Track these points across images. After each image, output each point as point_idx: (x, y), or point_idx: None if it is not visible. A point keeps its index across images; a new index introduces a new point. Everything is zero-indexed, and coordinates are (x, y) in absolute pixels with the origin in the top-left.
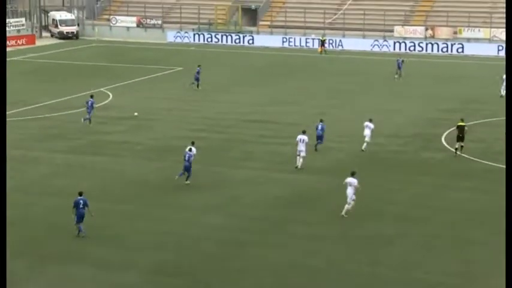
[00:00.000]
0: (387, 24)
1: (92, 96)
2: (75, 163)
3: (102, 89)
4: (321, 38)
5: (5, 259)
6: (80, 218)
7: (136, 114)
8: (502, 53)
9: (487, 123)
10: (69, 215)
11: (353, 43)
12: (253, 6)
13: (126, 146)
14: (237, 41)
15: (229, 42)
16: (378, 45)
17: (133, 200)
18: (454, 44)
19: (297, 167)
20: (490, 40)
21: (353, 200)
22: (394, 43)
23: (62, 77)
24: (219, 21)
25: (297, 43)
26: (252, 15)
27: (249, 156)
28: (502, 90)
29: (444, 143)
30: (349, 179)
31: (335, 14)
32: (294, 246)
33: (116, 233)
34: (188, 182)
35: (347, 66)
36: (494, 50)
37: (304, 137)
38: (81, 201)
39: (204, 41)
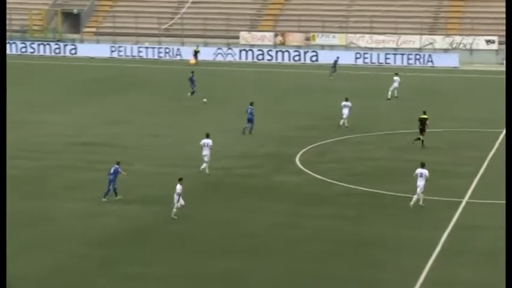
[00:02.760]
0: (232, 30)
1: None
2: None
3: None
4: (195, 49)
5: (5, 259)
6: None
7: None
8: (360, 61)
9: (346, 140)
10: None
11: (193, 52)
12: (75, 11)
13: None
14: (57, 50)
15: (47, 53)
16: (221, 53)
17: None
18: (307, 51)
19: (200, 171)
20: (346, 47)
21: (422, 192)
22: (240, 51)
23: None
24: (35, 28)
25: (128, 52)
26: (74, 21)
27: (76, 185)
28: (390, 93)
29: (299, 164)
30: (420, 170)
31: (171, 19)
32: None
33: None
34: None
35: (186, 78)
36: (352, 58)
37: (209, 141)
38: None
39: (17, 51)
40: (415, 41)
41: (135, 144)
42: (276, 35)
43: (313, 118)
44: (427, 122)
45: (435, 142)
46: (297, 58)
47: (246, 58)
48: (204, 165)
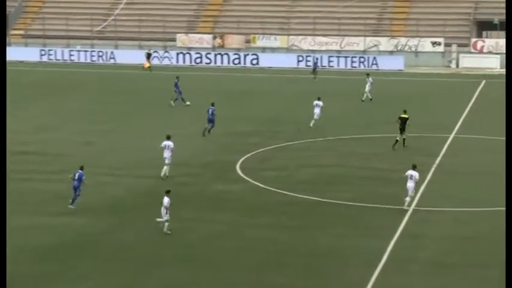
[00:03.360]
0: (168, 32)
1: None
2: None
3: None
4: (147, 51)
5: (5, 259)
6: None
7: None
8: (303, 64)
9: (288, 147)
10: None
11: (127, 55)
12: None
13: None
14: None
15: None
16: (157, 57)
17: None
18: (248, 54)
19: (162, 178)
20: (288, 49)
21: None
22: (177, 54)
23: None
24: None
25: (59, 56)
26: None
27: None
28: (365, 95)
29: (240, 172)
30: (410, 172)
31: (104, 20)
32: None
33: None
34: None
35: (120, 83)
36: (294, 61)
37: (170, 143)
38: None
39: None
40: (359, 43)
41: (67, 152)
42: (214, 37)
43: (254, 123)
44: (408, 121)
45: (381, 148)
46: (236, 61)
47: (184, 61)
48: (165, 168)
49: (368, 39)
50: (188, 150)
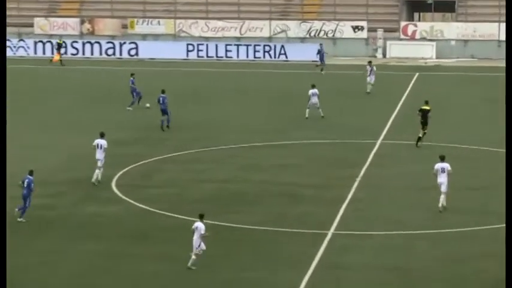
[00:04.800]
0: (24, 16)
1: None
2: None
3: None
4: (58, 41)
5: (5, 259)
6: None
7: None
8: (193, 55)
9: (177, 158)
10: None
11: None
12: None
13: None
14: None
15: None
16: (10, 46)
17: None
18: (125, 43)
19: (94, 183)
20: (175, 37)
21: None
22: (35, 43)
23: None
24: None
25: None
26: None
27: None
28: (369, 86)
29: (116, 190)
30: (440, 165)
31: None
32: None
33: None
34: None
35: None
36: (182, 51)
37: (103, 142)
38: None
39: None
40: (262, 27)
41: None
42: (82, 22)
43: (133, 129)
44: (429, 113)
45: (291, 158)
46: (110, 51)
47: (44, 53)
48: (96, 172)
49: (274, 23)
50: (52, 163)
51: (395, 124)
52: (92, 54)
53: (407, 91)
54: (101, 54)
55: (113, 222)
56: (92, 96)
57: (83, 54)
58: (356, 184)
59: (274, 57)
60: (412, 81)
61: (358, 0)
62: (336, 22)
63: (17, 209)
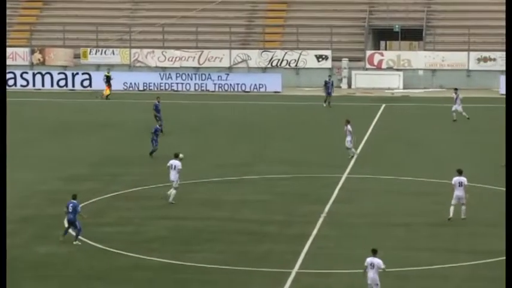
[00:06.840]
0: None
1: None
2: None
3: None
4: (106, 74)
5: (5, 259)
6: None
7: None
8: (150, 86)
9: (133, 194)
10: None
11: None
12: None
13: None
14: None
15: None
16: None
17: None
18: (77, 73)
19: (172, 202)
20: (130, 67)
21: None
22: None
23: None
24: None
25: None
26: None
27: None
28: (455, 114)
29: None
30: (458, 178)
31: None
32: None
33: None
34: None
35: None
36: (139, 82)
37: (177, 163)
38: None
39: None
40: (222, 57)
41: None
42: (32, 52)
43: (86, 165)
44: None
45: (256, 194)
46: (62, 83)
47: None
48: (171, 191)
49: (234, 52)
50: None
51: (361, 157)
52: (42, 85)
53: (373, 123)
54: (52, 86)
55: (64, 262)
56: (44, 130)
57: (33, 86)
58: (321, 220)
59: (233, 88)
60: (379, 113)
61: (322, 28)
62: (299, 51)
63: (61, 238)
